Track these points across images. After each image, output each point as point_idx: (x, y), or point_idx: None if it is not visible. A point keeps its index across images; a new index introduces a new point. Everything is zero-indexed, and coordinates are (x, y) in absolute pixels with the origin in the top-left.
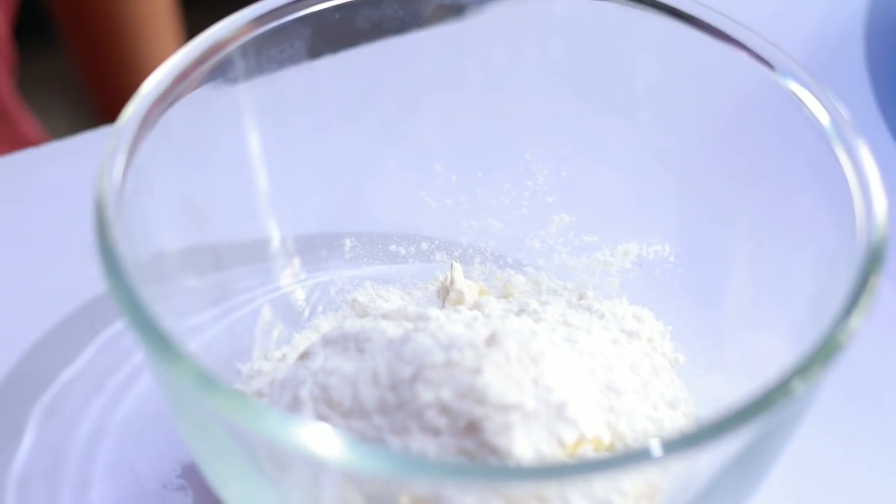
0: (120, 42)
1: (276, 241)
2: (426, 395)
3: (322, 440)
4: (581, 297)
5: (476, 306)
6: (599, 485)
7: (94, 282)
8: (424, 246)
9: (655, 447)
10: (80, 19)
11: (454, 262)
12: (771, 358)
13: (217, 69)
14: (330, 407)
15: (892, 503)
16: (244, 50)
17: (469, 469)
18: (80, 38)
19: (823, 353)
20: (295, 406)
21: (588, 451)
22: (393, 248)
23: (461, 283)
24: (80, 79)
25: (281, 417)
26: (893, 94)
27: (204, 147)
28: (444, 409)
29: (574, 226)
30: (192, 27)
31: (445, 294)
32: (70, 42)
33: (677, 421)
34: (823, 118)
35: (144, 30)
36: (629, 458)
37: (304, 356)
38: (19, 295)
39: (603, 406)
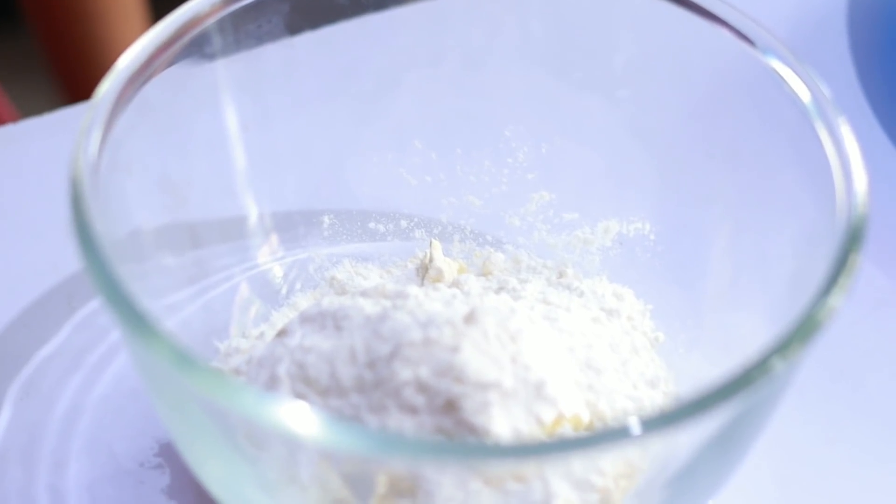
0: (84, 26)
1: (254, 218)
2: (404, 373)
3: (299, 418)
4: (561, 275)
5: (455, 284)
6: (578, 464)
7: (70, 259)
8: (404, 223)
9: (634, 425)
10: (45, 3)
11: (433, 240)
12: (751, 337)
13: (194, 44)
14: (307, 385)
15: (873, 483)
16: (221, 25)
17: (446, 447)
18: (43, 22)
19: (803, 331)
20: (272, 384)
21: (567, 430)
22: (372, 225)
23: (440, 260)
24: (46, 62)
25: (258, 395)
26: (875, 72)
27: (181, 123)
28: (422, 387)
29: (554, 203)
30: (159, 12)
31: (424, 272)
32: (34, 26)
33: (657, 399)
34: (804, 95)
35: (109, 13)
36: (608, 436)
37: (282, 334)
38: None
39: (582, 384)
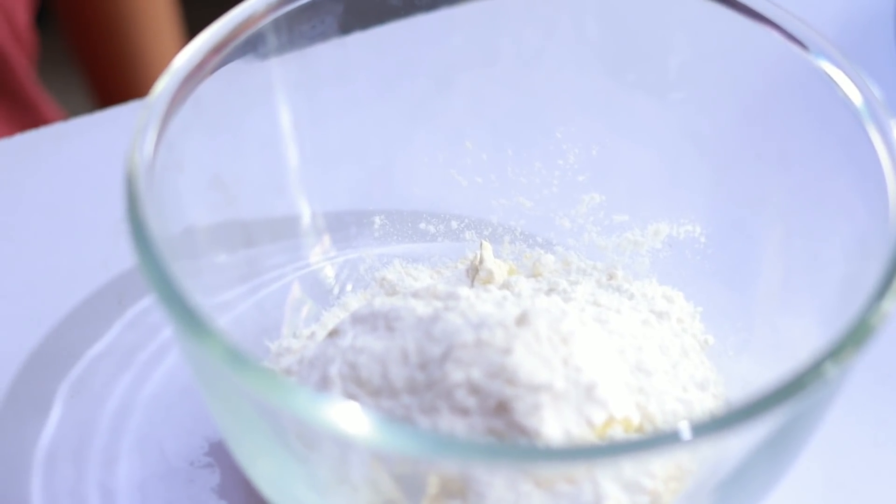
0: (119, 38)
1: (305, 217)
2: (456, 374)
3: (351, 419)
4: (611, 277)
5: (505, 286)
6: (629, 467)
7: (121, 258)
8: (454, 224)
9: (685, 430)
10: (79, 15)
11: (484, 241)
12: (801, 341)
13: (248, 44)
14: (359, 385)
15: None
16: (276, 25)
17: (498, 449)
18: (76, 28)
19: (856, 336)
20: (324, 384)
21: (617, 432)
22: (423, 226)
23: (490, 262)
24: (79, 66)
25: (310, 395)
26: None
27: (234, 122)
28: (474, 388)
29: (604, 205)
30: (193, 25)
31: (475, 273)
32: (69, 37)
33: (707, 402)
34: (856, 98)
35: (144, 27)
36: (659, 440)
37: (333, 334)
38: (47, 271)
39: (632, 387)
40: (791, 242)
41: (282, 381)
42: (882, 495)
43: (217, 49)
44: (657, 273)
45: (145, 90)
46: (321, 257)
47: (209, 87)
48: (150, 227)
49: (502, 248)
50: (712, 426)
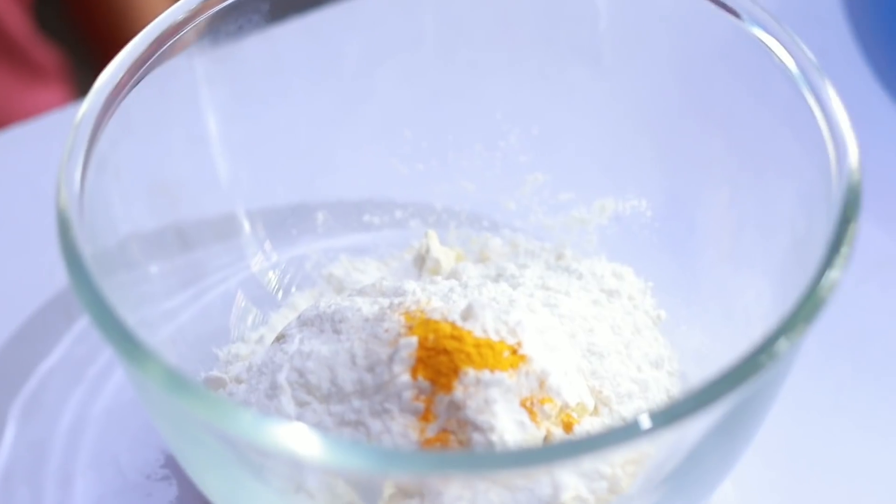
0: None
1: (245, 217)
2: (404, 375)
3: (299, 438)
4: (559, 257)
5: (453, 274)
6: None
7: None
8: (398, 214)
9: (644, 421)
10: None
11: (429, 231)
12: (753, 308)
13: (173, 51)
14: (308, 392)
15: (880, 450)
16: (199, 30)
17: (451, 460)
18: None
19: (806, 309)
20: (273, 392)
21: (572, 419)
22: (366, 217)
23: (437, 251)
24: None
25: (255, 418)
26: (868, 19)
27: (167, 129)
28: (423, 388)
29: (549, 184)
30: None
31: (422, 263)
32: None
33: (662, 381)
34: (791, 64)
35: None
36: (617, 434)
37: (281, 338)
38: None
39: (585, 371)
40: (737, 208)
41: (225, 404)
42: (841, 461)
43: (142, 60)
44: (606, 250)
45: None
46: (264, 257)
47: (137, 97)
48: (81, 254)
49: (448, 234)
50: (669, 415)
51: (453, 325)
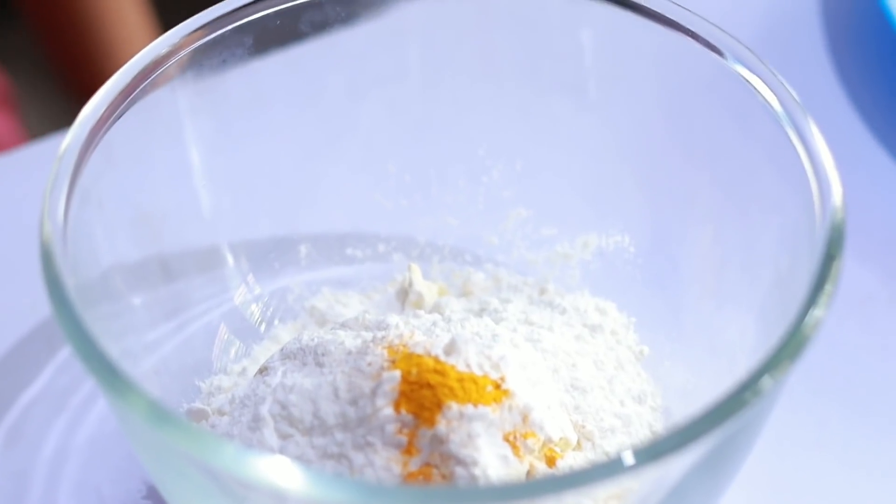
0: (87, 34)
1: (228, 250)
2: (387, 408)
3: (281, 471)
4: (542, 291)
5: (436, 308)
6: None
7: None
8: (381, 247)
9: (626, 458)
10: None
11: (412, 265)
12: (737, 342)
13: (157, 84)
14: (291, 424)
15: (868, 485)
16: (182, 64)
17: (434, 494)
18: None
19: (790, 347)
20: (256, 425)
21: (555, 453)
22: (349, 251)
23: (420, 284)
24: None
25: (238, 451)
26: (848, 59)
27: (149, 162)
28: (406, 422)
29: (532, 219)
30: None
31: (405, 296)
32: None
33: (645, 416)
34: (773, 101)
35: (111, 22)
36: (599, 471)
37: (264, 371)
38: None
39: (569, 406)
40: (721, 244)
41: (208, 436)
42: (827, 495)
43: (125, 93)
44: (588, 285)
45: None
46: (247, 290)
47: (120, 129)
48: (64, 285)
49: (431, 268)
50: (652, 451)
51: (436, 359)
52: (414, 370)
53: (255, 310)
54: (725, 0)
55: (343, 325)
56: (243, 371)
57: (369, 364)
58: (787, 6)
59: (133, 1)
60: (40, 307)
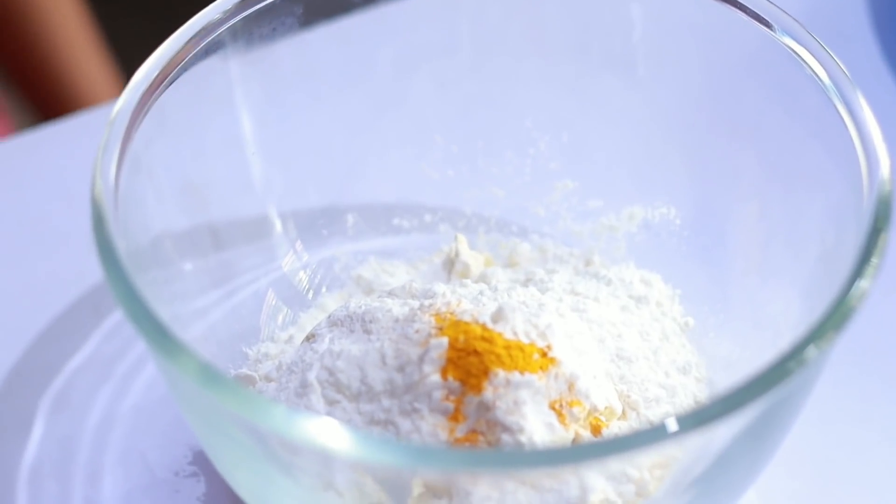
0: (36, 55)
1: (276, 218)
2: (434, 375)
3: (330, 433)
4: (588, 263)
5: (482, 278)
6: (614, 463)
7: (96, 267)
8: (428, 218)
9: (671, 424)
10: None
11: (458, 234)
12: (782, 317)
13: (208, 51)
14: (338, 391)
15: None
16: (234, 31)
17: (480, 457)
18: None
19: (836, 317)
20: (303, 391)
21: (600, 422)
22: (396, 221)
23: (466, 254)
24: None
25: (287, 412)
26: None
27: (200, 129)
28: (453, 388)
29: (578, 191)
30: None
31: (451, 266)
32: None
33: (689, 387)
34: (822, 74)
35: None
36: (644, 436)
37: (311, 338)
38: (21, 285)
39: (614, 376)
40: (767, 219)
41: (257, 398)
42: (869, 471)
43: (177, 59)
44: (634, 257)
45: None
46: (295, 258)
47: (171, 96)
48: (117, 250)
49: (477, 239)
50: (697, 418)
51: (484, 326)
52: (461, 337)
53: (302, 277)
54: None
55: (390, 294)
56: (290, 338)
57: (417, 331)
58: None
59: (77, 20)
60: (87, 275)
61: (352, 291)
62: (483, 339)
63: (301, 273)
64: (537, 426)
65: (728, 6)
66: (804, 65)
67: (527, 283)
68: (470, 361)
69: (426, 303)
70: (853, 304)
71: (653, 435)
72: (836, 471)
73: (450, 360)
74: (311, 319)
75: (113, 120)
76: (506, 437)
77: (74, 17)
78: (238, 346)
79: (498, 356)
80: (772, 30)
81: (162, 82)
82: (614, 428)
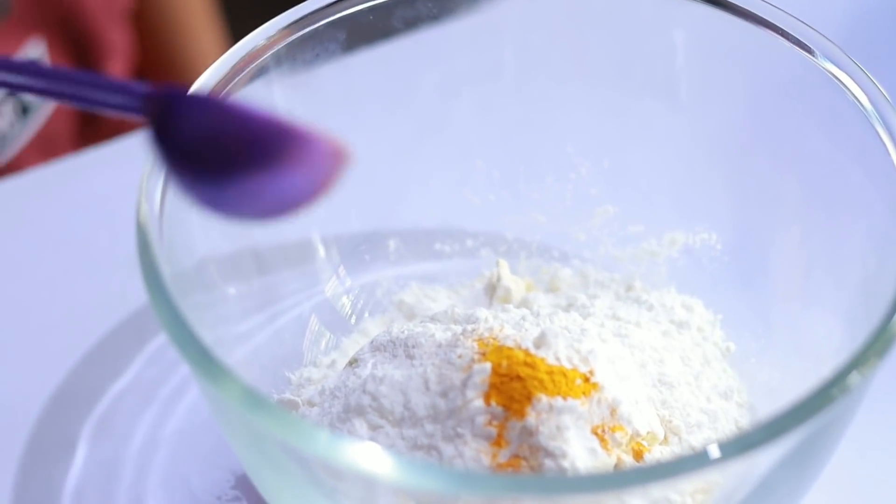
0: (161, 43)
1: (319, 243)
2: (478, 400)
3: (373, 458)
4: (629, 288)
5: (524, 303)
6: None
7: (139, 291)
8: (469, 243)
9: (713, 450)
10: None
11: (500, 259)
12: (824, 343)
13: (252, 77)
14: (381, 416)
15: None
16: (278, 57)
17: (522, 482)
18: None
19: (878, 344)
20: (346, 416)
21: (643, 447)
22: (438, 246)
23: (508, 279)
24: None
25: (330, 436)
26: None
27: None
28: (496, 413)
29: (618, 216)
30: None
31: (492, 291)
32: None
33: (731, 412)
34: (864, 100)
35: (185, 31)
36: (686, 463)
37: (353, 363)
38: (65, 308)
39: (656, 401)
40: (808, 245)
41: (301, 423)
42: None
43: (222, 84)
44: (675, 282)
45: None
46: (337, 283)
47: None
48: (161, 272)
49: (519, 264)
50: (739, 445)
51: (527, 352)
52: (504, 363)
53: (345, 302)
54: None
55: (433, 319)
56: (332, 363)
57: (460, 356)
58: (871, 4)
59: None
60: (130, 299)
61: (394, 316)
62: (526, 364)
63: (343, 298)
64: (580, 451)
65: (769, 32)
66: (845, 90)
67: (568, 308)
68: (513, 387)
69: (469, 328)
70: None
71: (695, 461)
72: (877, 498)
73: (493, 386)
74: (353, 344)
75: None
76: (548, 462)
77: None
78: (281, 371)
79: (541, 381)
80: (813, 55)
81: None
82: (656, 453)
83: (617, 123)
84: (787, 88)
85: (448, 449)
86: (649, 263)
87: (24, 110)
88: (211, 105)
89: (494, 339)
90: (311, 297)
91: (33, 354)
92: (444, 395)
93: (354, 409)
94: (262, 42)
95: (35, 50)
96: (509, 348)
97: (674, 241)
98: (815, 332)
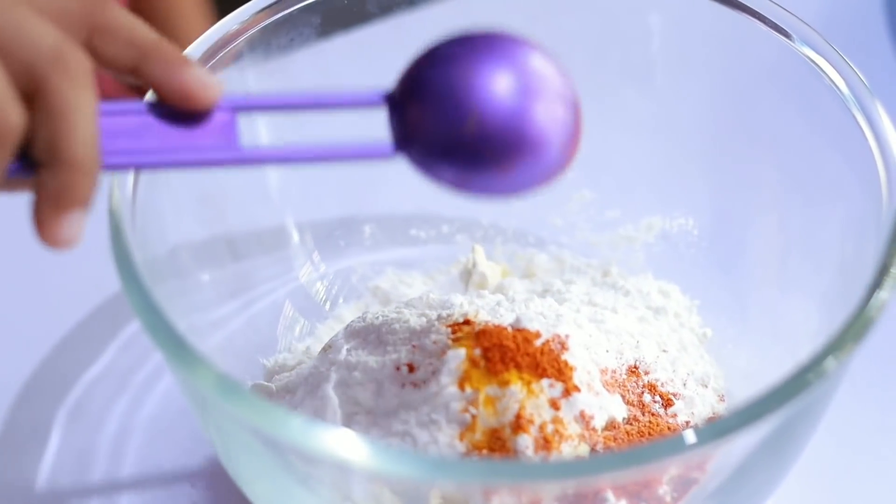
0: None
1: (293, 229)
2: (452, 387)
3: (347, 445)
4: (605, 274)
5: (499, 289)
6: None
7: (112, 279)
8: (445, 228)
9: (689, 436)
10: None
11: (476, 245)
12: (801, 328)
13: (226, 62)
14: (355, 402)
15: None
16: (251, 42)
17: (497, 469)
18: None
19: (855, 328)
20: (321, 403)
21: (619, 433)
22: (413, 232)
23: (483, 265)
24: None
25: (304, 423)
26: None
27: None
28: (471, 399)
29: (595, 202)
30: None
31: (468, 277)
32: None
33: (707, 397)
34: (841, 84)
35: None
36: (662, 448)
37: (328, 349)
38: (38, 295)
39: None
40: (785, 229)
41: (275, 409)
42: (887, 482)
43: None
44: (652, 268)
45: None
46: (312, 269)
47: None
48: (133, 258)
49: (494, 250)
50: (715, 430)
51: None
52: (479, 349)
53: (319, 288)
54: None
55: (407, 304)
56: (307, 349)
57: (434, 342)
58: None
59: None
60: (104, 287)
61: (369, 302)
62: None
63: (318, 284)
64: (556, 437)
65: (746, 16)
66: (823, 75)
67: (544, 293)
68: (487, 371)
69: (444, 314)
70: (872, 316)
71: (671, 446)
72: (854, 482)
73: (467, 372)
74: (328, 331)
75: None
76: (524, 448)
77: None
78: (255, 358)
79: (524, 356)
80: (790, 40)
81: None
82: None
83: (593, 108)
84: (764, 73)
85: (423, 435)
86: (626, 249)
87: None
88: None
89: (469, 324)
90: (286, 283)
91: (6, 341)
92: (417, 381)
93: (328, 395)
94: (235, 27)
95: None
96: (487, 329)
97: (651, 227)
98: (793, 316)
